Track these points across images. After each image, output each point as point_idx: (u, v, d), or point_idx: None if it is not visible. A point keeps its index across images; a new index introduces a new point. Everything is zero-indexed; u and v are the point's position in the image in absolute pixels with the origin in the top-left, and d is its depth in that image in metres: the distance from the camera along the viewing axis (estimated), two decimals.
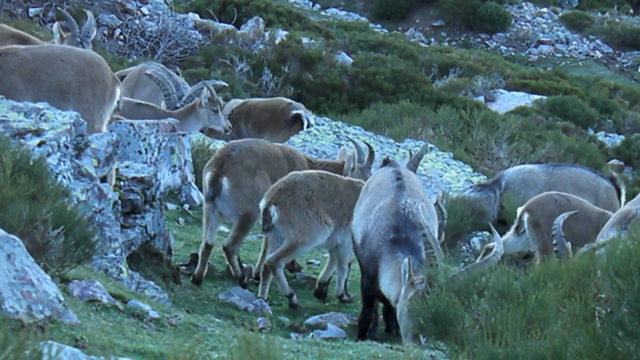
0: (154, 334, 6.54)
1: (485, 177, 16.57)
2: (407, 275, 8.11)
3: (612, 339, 5.49)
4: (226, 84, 17.30)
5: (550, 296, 6.18)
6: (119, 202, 8.67)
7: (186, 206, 12.66)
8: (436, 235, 8.88)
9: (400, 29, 42.21)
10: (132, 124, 11.82)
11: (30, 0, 26.11)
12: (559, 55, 41.50)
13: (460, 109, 22.69)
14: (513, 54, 41.15)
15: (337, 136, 17.49)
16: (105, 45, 25.50)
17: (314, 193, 9.80)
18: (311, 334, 9.06)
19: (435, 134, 20.41)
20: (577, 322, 5.99)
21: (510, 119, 22.74)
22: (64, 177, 7.95)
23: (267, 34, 27.43)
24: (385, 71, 26.90)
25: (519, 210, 11.78)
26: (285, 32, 28.18)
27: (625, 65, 41.20)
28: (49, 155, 7.85)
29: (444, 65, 31.88)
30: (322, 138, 17.19)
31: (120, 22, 26.59)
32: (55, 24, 14.30)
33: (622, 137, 27.71)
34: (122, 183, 9.28)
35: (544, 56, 41.35)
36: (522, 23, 43.00)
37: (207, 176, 10.44)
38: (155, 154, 12.08)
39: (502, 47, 41.74)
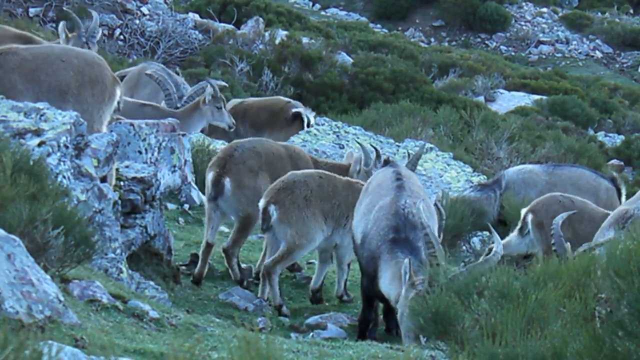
0: (154, 334, 6.54)
1: (485, 177, 16.56)
2: (407, 276, 8.11)
3: (612, 339, 5.49)
4: (226, 84, 17.33)
5: (550, 296, 6.18)
6: (119, 202, 8.67)
7: (186, 206, 12.66)
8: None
9: (400, 29, 42.21)
10: (132, 124, 11.82)
11: (30, 0, 26.11)
12: (559, 55, 41.50)
13: (460, 109, 22.69)
14: (513, 54, 41.16)
15: (337, 136, 17.48)
16: (105, 45, 25.50)
17: (313, 193, 9.77)
18: (311, 334, 9.06)
19: (435, 134, 20.41)
20: (577, 322, 5.99)
21: (510, 119, 22.74)
22: (64, 177, 7.95)
23: (267, 34, 27.44)
24: (385, 71, 26.90)
25: (523, 211, 11.77)
26: (285, 32, 28.18)
27: (625, 65, 41.20)
28: (49, 155, 7.85)
29: (444, 65, 31.88)
30: (322, 138, 17.18)
31: (120, 22, 26.60)
32: (61, 24, 14.33)
33: (622, 137, 27.71)
34: (122, 183, 9.28)
35: (544, 56, 41.35)
36: (522, 23, 43.01)
37: (209, 176, 10.43)
38: (155, 154, 12.08)
39: (502, 47, 41.74)
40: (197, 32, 27.69)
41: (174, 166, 12.60)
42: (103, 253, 8.07)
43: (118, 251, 8.48)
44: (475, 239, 13.58)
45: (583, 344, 5.55)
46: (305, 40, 27.64)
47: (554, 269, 6.52)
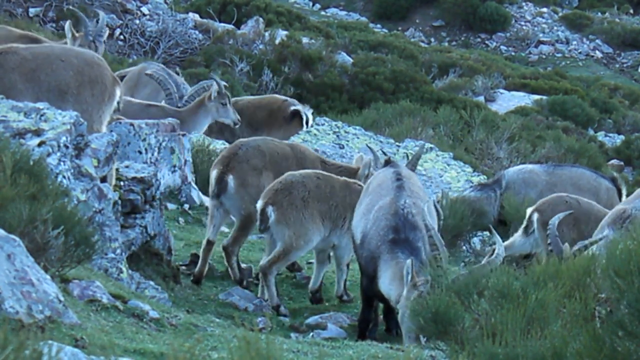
0: (154, 334, 6.54)
1: (485, 177, 16.56)
2: (409, 277, 8.11)
3: (612, 339, 5.49)
4: (226, 84, 17.29)
5: (550, 296, 6.18)
6: (119, 202, 8.67)
7: (186, 206, 12.66)
8: None
9: (400, 29, 42.21)
10: (132, 124, 11.82)
11: (30, 0, 26.11)
12: (559, 55, 41.50)
13: (460, 109, 22.69)
14: (513, 54, 41.16)
15: (337, 136, 17.47)
16: (106, 45, 25.48)
17: (311, 194, 9.75)
18: (311, 334, 9.06)
19: (435, 134, 20.40)
20: (577, 322, 5.99)
21: (510, 119, 22.74)
22: (64, 177, 7.95)
23: (267, 34, 27.43)
24: (385, 71, 26.90)
25: (529, 210, 11.75)
26: (285, 32, 28.18)
27: (625, 65, 41.20)
28: (49, 155, 7.85)
29: (444, 65, 31.88)
30: (322, 138, 17.18)
31: (120, 22, 26.60)
32: (67, 23, 14.34)
33: (622, 137, 27.71)
34: (122, 183, 9.28)
35: (544, 56, 41.35)
36: (522, 23, 43.01)
37: (213, 174, 10.45)
38: (155, 154, 12.08)
39: (502, 47, 41.74)
40: (197, 32, 27.69)
41: (174, 166, 12.60)
42: (103, 253, 8.07)
43: (118, 251, 8.48)
44: (475, 239, 13.58)
45: (583, 344, 5.55)
46: (305, 40, 27.64)
47: (554, 269, 6.52)
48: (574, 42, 42.12)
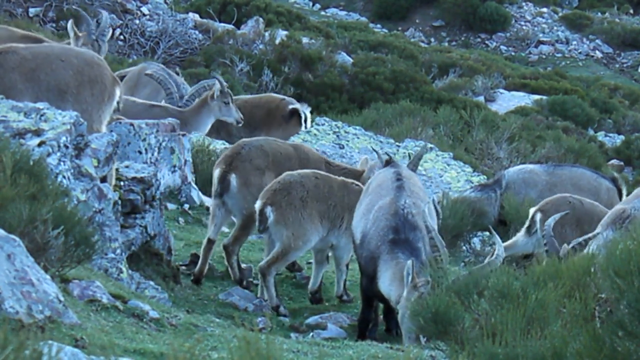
0: (154, 334, 6.54)
1: (485, 177, 16.56)
2: (410, 277, 8.11)
3: (612, 339, 5.49)
4: (226, 84, 17.27)
5: (550, 296, 6.18)
6: (119, 202, 8.67)
7: (186, 206, 12.66)
8: None
9: (400, 29, 42.21)
10: (132, 124, 11.82)
11: (30, 0, 26.10)
12: (559, 55, 41.50)
13: (460, 109, 22.69)
14: (513, 54, 41.16)
15: (337, 136, 17.47)
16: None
17: (309, 194, 9.74)
18: (311, 334, 9.06)
19: (435, 134, 20.40)
20: (577, 322, 5.99)
21: (510, 119, 22.74)
22: (64, 177, 7.95)
23: (267, 34, 27.43)
24: (385, 71, 26.90)
25: (532, 210, 11.75)
26: (285, 32, 28.17)
27: (625, 65, 41.20)
28: (49, 155, 7.85)
29: (444, 65, 31.88)
30: (322, 138, 17.17)
31: (120, 22, 26.60)
32: (69, 22, 14.34)
33: (622, 137, 27.71)
34: (122, 183, 9.28)
35: (544, 56, 41.35)
36: (522, 23, 43.01)
37: (216, 172, 10.46)
38: (155, 154, 12.08)
39: (502, 47, 41.75)
40: (197, 32, 27.69)
41: (174, 166, 12.60)
42: (103, 253, 8.07)
43: (118, 251, 8.48)
44: (475, 239, 13.58)
45: (583, 344, 5.55)
46: (305, 40, 27.64)
47: (554, 269, 6.52)
48: (574, 42, 42.12)
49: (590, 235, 9.97)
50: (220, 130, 15.78)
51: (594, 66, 40.55)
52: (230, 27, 28.72)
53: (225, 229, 11.58)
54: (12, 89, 9.17)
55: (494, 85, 31.01)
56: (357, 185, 9.98)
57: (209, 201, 12.80)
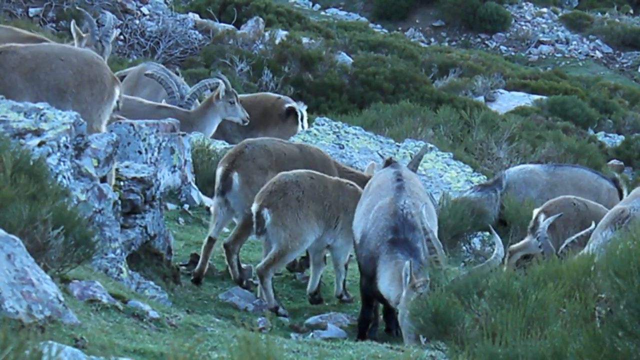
0: (154, 334, 6.54)
1: (485, 177, 16.56)
2: (408, 278, 8.11)
3: (612, 339, 5.49)
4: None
5: (550, 296, 6.18)
6: (119, 202, 8.67)
7: (186, 206, 12.65)
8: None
9: (400, 29, 42.22)
10: (132, 124, 11.82)
11: (30, 0, 26.10)
12: (559, 55, 41.50)
13: (460, 109, 22.69)
14: (513, 54, 41.16)
15: (337, 136, 17.46)
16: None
17: (305, 194, 9.72)
18: (311, 334, 9.05)
19: (435, 134, 20.40)
20: (577, 322, 5.99)
21: (510, 119, 22.74)
22: (64, 177, 7.95)
23: (267, 34, 27.43)
24: (385, 71, 26.90)
25: (535, 211, 11.75)
26: (285, 32, 28.18)
27: (625, 65, 41.20)
28: (49, 155, 7.85)
29: (444, 65, 31.88)
30: (322, 138, 17.17)
31: (120, 22, 26.59)
32: (72, 23, 14.35)
33: (622, 137, 27.71)
34: (122, 183, 9.28)
35: (544, 56, 41.35)
36: (522, 23, 43.01)
37: (218, 171, 10.46)
38: (155, 154, 12.08)
39: (502, 47, 41.75)
40: (197, 32, 27.69)
41: (174, 166, 12.60)
42: (103, 253, 8.07)
43: (118, 251, 8.48)
44: (475, 239, 13.58)
45: (583, 344, 5.55)
46: (305, 40, 27.64)
47: (554, 269, 6.52)
48: (574, 42, 42.12)
49: (582, 232, 10.00)
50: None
51: (594, 66, 40.55)
52: (230, 27, 28.72)
53: (225, 229, 11.58)
54: (13, 88, 9.18)
55: (494, 85, 31.02)
56: (351, 185, 9.96)
57: (209, 201, 12.80)
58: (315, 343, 7.47)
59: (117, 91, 9.68)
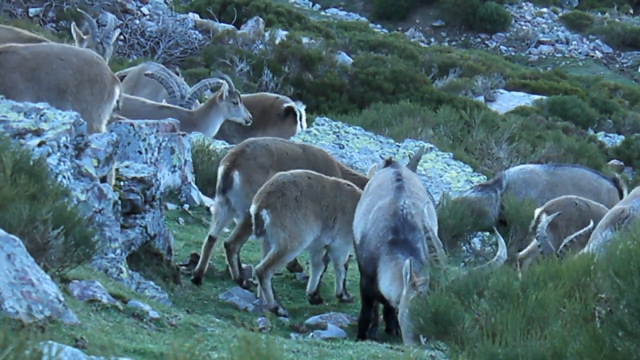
0: (154, 334, 6.54)
1: (485, 177, 16.55)
2: (408, 277, 8.11)
3: (612, 339, 5.49)
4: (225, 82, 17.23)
5: (550, 296, 6.18)
6: (119, 202, 8.67)
7: (186, 206, 12.66)
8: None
9: (400, 29, 42.22)
10: (132, 124, 11.82)
11: (30, 0, 26.10)
12: (559, 55, 41.50)
13: (460, 109, 22.69)
14: (513, 54, 41.16)
15: (337, 136, 17.46)
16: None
17: (303, 193, 9.71)
18: (311, 334, 9.05)
19: (435, 134, 20.40)
20: (577, 322, 5.99)
21: (510, 119, 22.74)
22: (64, 177, 7.95)
23: (267, 34, 27.44)
24: (385, 71, 26.90)
25: (537, 211, 11.75)
26: (285, 32, 28.18)
27: (625, 65, 41.21)
28: (49, 155, 7.85)
29: (444, 65, 31.89)
30: (322, 138, 17.17)
31: (120, 22, 26.59)
32: (72, 25, 14.36)
33: (622, 137, 27.72)
34: (122, 183, 9.28)
35: (544, 56, 41.36)
36: (522, 23, 43.01)
37: (220, 169, 10.48)
38: (155, 154, 12.08)
39: (502, 47, 41.75)
40: (197, 32, 27.69)
41: (174, 166, 12.60)
42: (103, 253, 8.07)
43: (118, 251, 8.48)
44: (475, 239, 13.58)
45: (583, 344, 5.55)
46: (305, 40, 27.64)
47: (554, 269, 6.52)
48: (574, 42, 42.13)
49: (580, 232, 9.99)
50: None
51: (594, 66, 40.56)
52: (230, 27, 28.72)
53: (225, 229, 11.58)
54: (13, 88, 9.18)
55: (494, 85, 31.02)
56: (349, 185, 9.96)
57: (209, 201, 12.80)
58: (315, 343, 7.47)
59: (117, 91, 9.69)
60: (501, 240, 8.37)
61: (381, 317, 9.50)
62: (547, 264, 6.65)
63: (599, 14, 43.97)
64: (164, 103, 14.84)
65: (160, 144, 12.23)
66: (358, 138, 17.35)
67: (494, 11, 42.06)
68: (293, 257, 10.00)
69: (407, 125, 20.06)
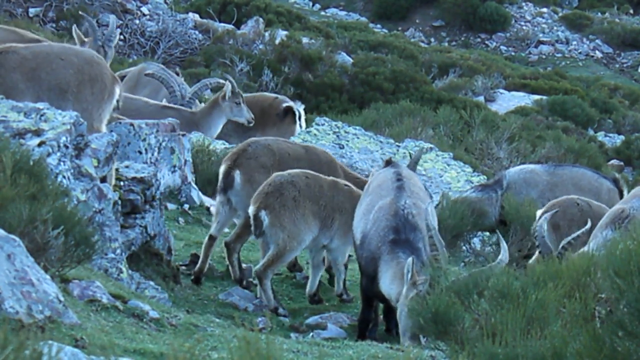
0: (154, 334, 6.54)
1: (485, 177, 16.55)
2: (409, 275, 8.11)
3: (612, 339, 5.49)
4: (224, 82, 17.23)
5: (550, 296, 6.18)
6: (119, 202, 8.67)
7: (186, 206, 12.66)
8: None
9: (400, 29, 42.22)
10: (132, 124, 11.82)
11: (30, 0, 26.10)
12: (559, 55, 41.50)
13: (460, 109, 22.68)
14: (513, 54, 41.16)
15: (337, 136, 17.46)
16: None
17: (301, 193, 9.71)
18: (311, 334, 9.05)
19: (435, 134, 20.39)
20: (577, 322, 5.99)
21: (510, 119, 22.73)
22: (64, 177, 7.95)
23: (267, 34, 27.44)
24: (385, 71, 26.90)
25: (539, 212, 11.74)
26: (285, 32, 28.18)
27: (625, 65, 41.21)
28: (49, 155, 7.85)
29: (444, 65, 31.88)
30: (322, 138, 17.17)
31: (120, 22, 26.60)
32: (74, 27, 14.36)
33: (622, 137, 27.72)
34: (122, 183, 9.28)
35: (544, 56, 41.35)
36: (522, 23, 43.01)
37: (221, 168, 10.49)
38: (155, 154, 12.08)
39: (502, 47, 41.75)
40: (197, 32, 27.70)
41: (174, 166, 12.60)
42: (103, 253, 8.07)
43: (118, 251, 8.47)
44: (475, 239, 13.58)
45: (583, 344, 5.55)
46: (305, 40, 27.64)
47: (554, 269, 6.52)
48: (574, 42, 42.13)
49: (579, 232, 9.99)
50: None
51: (594, 66, 40.56)
52: (230, 27, 28.73)
53: (225, 229, 11.58)
54: (14, 88, 9.19)
55: (494, 85, 31.02)
56: (347, 185, 9.97)
57: (209, 201, 12.81)
58: (315, 343, 7.47)
59: (118, 90, 9.70)
60: (503, 244, 8.36)
61: (381, 317, 9.49)
62: (547, 264, 6.65)
63: (599, 14, 43.98)
64: (166, 103, 14.84)
65: (160, 144, 12.23)
66: (358, 138, 17.34)
67: (494, 11, 42.07)
68: (292, 257, 10.00)
69: (407, 125, 20.06)
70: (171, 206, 12.45)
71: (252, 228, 9.72)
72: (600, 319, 5.95)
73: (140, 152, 11.77)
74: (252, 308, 9.75)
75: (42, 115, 8.17)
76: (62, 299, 5.85)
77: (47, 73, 9.36)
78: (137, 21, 27.10)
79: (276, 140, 10.92)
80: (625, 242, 5.60)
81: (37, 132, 8.01)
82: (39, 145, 7.88)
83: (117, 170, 9.28)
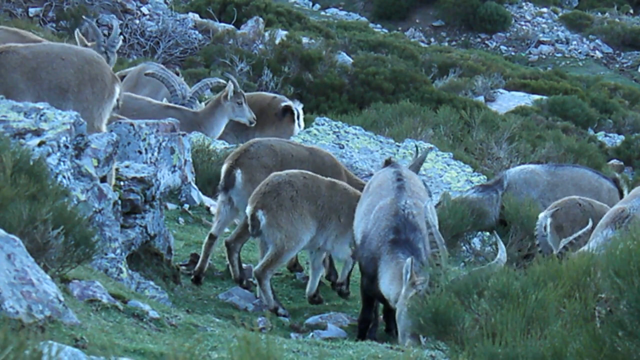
0: (154, 334, 6.54)
1: (485, 177, 16.55)
2: (408, 275, 8.11)
3: (612, 339, 5.49)
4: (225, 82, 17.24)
5: (550, 296, 6.18)
6: (119, 202, 8.67)
7: (186, 206, 12.66)
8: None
9: (400, 29, 42.22)
10: (132, 124, 11.83)
11: (30, 0, 26.10)
12: (559, 55, 41.51)
13: (460, 109, 22.69)
14: (513, 54, 41.17)
15: (337, 136, 17.46)
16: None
17: (299, 193, 9.71)
18: (311, 334, 9.05)
19: (435, 134, 20.40)
20: (577, 322, 5.99)
21: (510, 119, 22.73)
22: (64, 177, 7.95)
23: (267, 34, 27.45)
24: (385, 71, 26.90)
25: (541, 215, 11.74)
26: (285, 32, 28.19)
27: (625, 65, 41.21)
28: (49, 155, 7.85)
29: (444, 65, 31.89)
30: (322, 138, 17.17)
31: (120, 22, 26.60)
32: (76, 31, 14.38)
33: (622, 137, 27.72)
34: (122, 183, 9.28)
35: (544, 56, 41.36)
36: (522, 23, 43.02)
37: (223, 168, 10.50)
38: (155, 154, 12.08)
39: (502, 47, 41.75)
40: (197, 32, 27.70)
41: (174, 166, 12.60)
42: (103, 253, 8.07)
43: (118, 251, 8.47)
44: (475, 239, 13.58)
45: (583, 344, 5.55)
46: (305, 40, 27.65)
47: (554, 269, 6.52)
48: (574, 42, 42.13)
49: (579, 233, 10.00)
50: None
51: (594, 66, 40.57)
52: (230, 27, 28.73)
53: (226, 229, 11.58)
54: (14, 88, 9.19)
55: (494, 85, 31.03)
56: (344, 185, 9.97)
57: (209, 201, 12.81)
58: (315, 343, 7.47)
59: (118, 89, 9.71)
60: (501, 244, 8.37)
61: (381, 317, 9.49)
62: (547, 264, 6.65)
63: (599, 14, 43.99)
64: (167, 103, 14.86)
65: (160, 144, 12.24)
66: (358, 138, 17.34)
67: (494, 11, 42.08)
68: (290, 257, 9.99)
69: (407, 125, 20.06)
70: (171, 206, 12.45)
71: (250, 228, 9.71)
72: (600, 319, 5.95)
73: (140, 152, 11.77)
74: (252, 308, 9.75)
75: (42, 115, 8.17)
76: (62, 299, 5.85)
77: (47, 73, 9.36)
78: (137, 21, 27.11)
79: (280, 141, 10.92)
80: (625, 241, 5.60)
81: (37, 132, 8.00)
82: (39, 145, 7.88)
83: (117, 170, 9.28)
